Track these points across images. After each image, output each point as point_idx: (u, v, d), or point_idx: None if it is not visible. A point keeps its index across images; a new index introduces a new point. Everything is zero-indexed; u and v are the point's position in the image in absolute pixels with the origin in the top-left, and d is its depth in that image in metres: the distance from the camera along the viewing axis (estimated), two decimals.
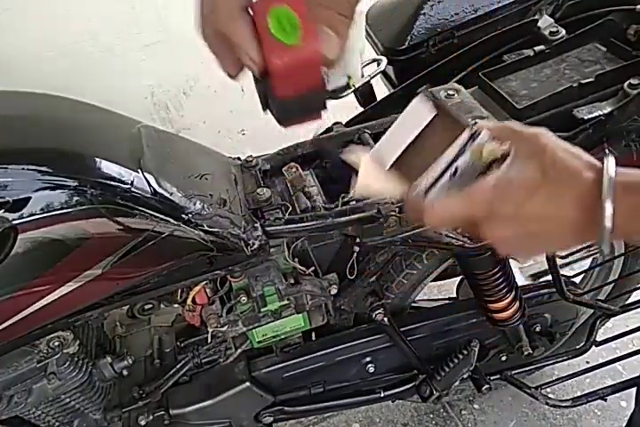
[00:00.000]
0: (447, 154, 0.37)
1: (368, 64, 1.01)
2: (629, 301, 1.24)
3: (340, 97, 0.41)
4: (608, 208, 0.35)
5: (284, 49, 0.33)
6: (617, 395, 1.18)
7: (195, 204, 0.74)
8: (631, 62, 0.81)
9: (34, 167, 0.63)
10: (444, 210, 0.40)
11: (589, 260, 1.36)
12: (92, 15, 1.41)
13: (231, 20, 0.38)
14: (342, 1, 0.37)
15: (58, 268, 0.67)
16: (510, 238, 0.39)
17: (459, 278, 1.28)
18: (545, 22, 0.89)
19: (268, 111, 0.41)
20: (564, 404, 1.20)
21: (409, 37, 0.97)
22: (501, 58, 0.92)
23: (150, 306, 0.94)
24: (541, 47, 0.88)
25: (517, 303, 1.03)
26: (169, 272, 0.76)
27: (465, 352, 1.08)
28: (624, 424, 0.86)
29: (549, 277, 1.04)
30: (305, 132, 1.88)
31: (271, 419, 1.09)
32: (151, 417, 0.96)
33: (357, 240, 0.87)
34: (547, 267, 0.98)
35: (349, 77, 0.38)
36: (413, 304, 1.16)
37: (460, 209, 0.39)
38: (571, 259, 1.26)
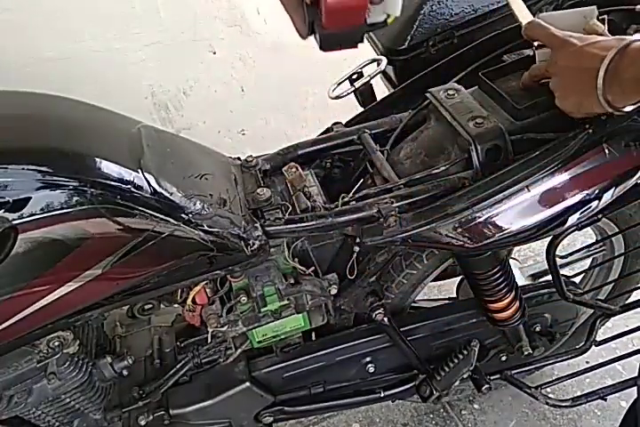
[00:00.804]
0: None
1: (368, 64, 1.01)
2: (629, 301, 1.24)
3: (379, 28, 0.46)
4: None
5: None
6: (617, 395, 1.18)
7: (195, 204, 0.74)
8: None
9: (34, 167, 0.63)
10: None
11: (589, 260, 1.36)
12: (92, 15, 1.41)
13: None
14: None
15: (58, 268, 0.67)
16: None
17: (459, 278, 1.28)
18: None
19: (311, 36, 0.46)
20: (564, 404, 1.20)
21: (409, 37, 0.97)
22: (501, 58, 0.92)
23: (150, 306, 0.94)
24: None
25: (517, 303, 1.03)
26: (169, 272, 0.76)
27: (465, 352, 1.08)
28: (620, 421, 0.86)
29: (549, 277, 1.04)
30: (305, 132, 1.89)
31: (271, 419, 1.09)
32: (151, 417, 0.97)
33: (357, 240, 0.87)
34: (547, 267, 0.98)
35: (388, 15, 0.43)
36: (413, 304, 1.16)
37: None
38: (571, 259, 1.26)
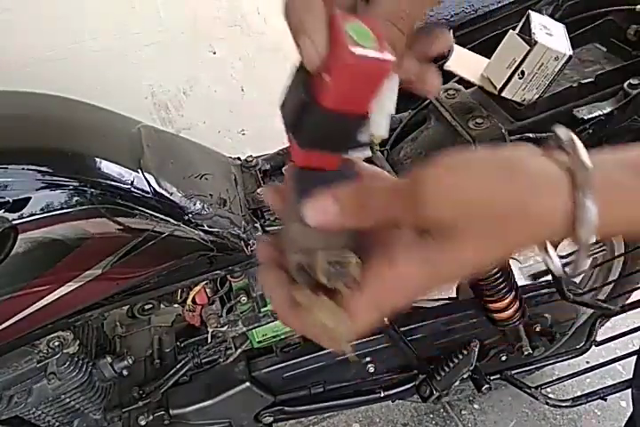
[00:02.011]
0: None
1: None
2: (629, 301, 1.24)
3: (359, 151, 0.34)
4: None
5: (359, 46, 0.29)
6: (617, 395, 1.17)
7: (195, 204, 0.74)
8: (631, 62, 0.81)
9: (34, 167, 0.63)
10: None
11: (589, 260, 1.36)
12: (92, 15, 1.41)
13: (308, 7, 0.32)
14: (400, 16, 0.32)
15: (58, 268, 0.67)
16: None
17: None
18: None
19: (292, 133, 0.32)
20: (564, 404, 1.20)
21: None
22: None
23: (150, 306, 0.94)
24: None
25: (517, 303, 1.03)
26: (169, 272, 0.76)
27: (465, 352, 1.08)
28: (624, 424, 0.86)
29: (549, 277, 1.04)
30: None
31: (271, 419, 1.09)
32: (151, 417, 0.96)
33: None
34: (547, 267, 0.98)
35: (372, 135, 0.33)
36: (413, 304, 1.16)
37: None
38: (571, 259, 1.26)
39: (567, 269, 0.32)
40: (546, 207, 0.27)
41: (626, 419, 0.80)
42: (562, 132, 0.31)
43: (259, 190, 0.84)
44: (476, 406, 1.50)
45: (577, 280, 1.24)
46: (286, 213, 0.33)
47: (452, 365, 1.08)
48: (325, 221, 0.30)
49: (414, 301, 0.31)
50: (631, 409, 0.79)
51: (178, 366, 0.99)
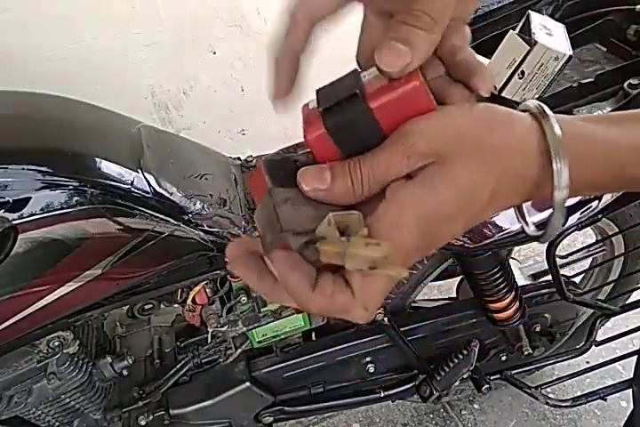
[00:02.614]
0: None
1: None
2: (629, 301, 1.24)
3: None
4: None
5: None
6: (617, 395, 1.17)
7: (195, 204, 0.74)
8: (631, 62, 0.81)
9: (34, 167, 0.63)
10: None
11: (589, 260, 1.36)
12: (92, 15, 1.41)
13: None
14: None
15: (58, 268, 0.67)
16: None
17: (459, 278, 1.28)
18: None
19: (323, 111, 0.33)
20: (564, 404, 1.20)
21: None
22: None
23: (150, 306, 0.94)
24: None
25: (517, 303, 1.03)
26: (169, 272, 0.76)
27: (465, 352, 1.08)
28: (624, 423, 0.86)
29: (549, 277, 1.04)
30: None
31: (271, 419, 1.09)
32: (151, 417, 0.97)
33: None
34: (547, 267, 0.98)
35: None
36: (413, 304, 1.16)
37: None
38: (571, 259, 1.26)
39: (545, 230, 0.33)
40: (524, 170, 0.32)
41: (625, 418, 0.81)
42: (531, 102, 0.37)
43: None
44: (476, 406, 1.50)
45: (577, 280, 1.24)
46: (265, 201, 0.32)
47: (452, 365, 1.08)
48: (321, 193, 0.31)
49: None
50: (631, 409, 0.80)
51: (178, 366, 0.99)
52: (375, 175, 0.31)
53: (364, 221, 0.30)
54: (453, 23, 0.33)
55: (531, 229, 0.34)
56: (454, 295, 1.30)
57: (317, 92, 0.33)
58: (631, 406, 0.79)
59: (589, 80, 0.79)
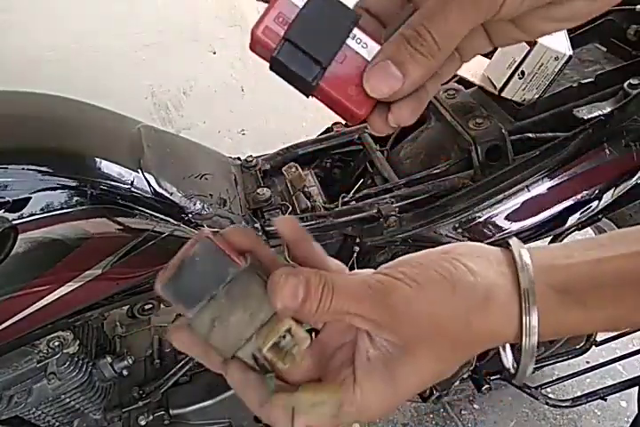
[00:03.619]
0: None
1: None
2: None
3: None
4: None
5: None
6: (617, 395, 1.17)
7: (195, 204, 0.74)
8: (631, 62, 0.81)
9: (34, 167, 0.63)
10: None
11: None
12: (92, 15, 1.41)
13: None
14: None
15: (58, 268, 0.67)
16: None
17: None
18: None
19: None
20: (564, 404, 1.20)
21: None
22: None
23: (150, 306, 0.94)
24: None
25: None
26: None
27: None
28: (624, 424, 0.86)
29: None
30: (305, 132, 1.88)
31: None
32: (151, 417, 0.96)
33: (357, 240, 0.87)
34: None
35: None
36: None
37: None
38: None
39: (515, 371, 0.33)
40: (493, 324, 0.30)
41: (626, 419, 0.80)
42: (514, 243, 0.32)
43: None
44: (476, 406, 1.50)
45: None
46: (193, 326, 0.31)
47: None
48: (290, 305, 0.29)
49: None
50: (631, 409, 0.79)
51: (178, 366, 0.99)
52: (336, 308, 0.30)
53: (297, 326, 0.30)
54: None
55: (509, 364, 0.35)
56: None
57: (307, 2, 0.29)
58: (632, 406, 0.79)
59: (589, 80, 0.79)
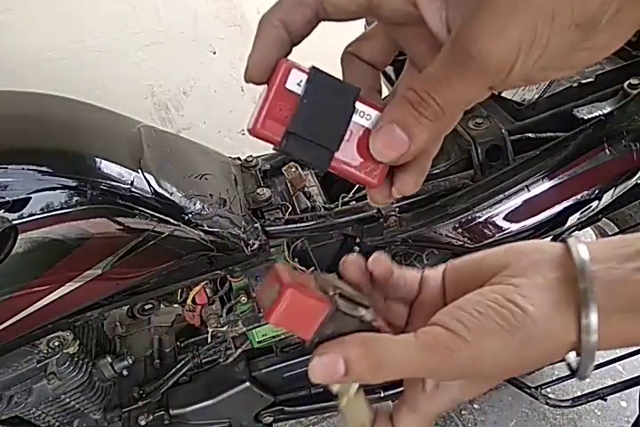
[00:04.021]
0: None
1: None
2: None
3: None
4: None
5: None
6: (617, 395, 1.17)
7: (195, 204, 0.74)
8: (631, 62, 0.81)
9: (34, 167, 0.63)
10: None
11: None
12: (92, 15, 1.41)
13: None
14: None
15: (58, 268, 0.67)
16: None
17: None
18: None
19: None
20: (564, 404, 1.20)
21: None
22: None
23: (150, 306, 0.94)
24: None
25: None
26: (169, 272, 0.76)
27: None
28: (624, 424, 0.86)
29: None
30: None
31: (271, 419, 1.09)
32: (151, 417, 0.96)
33: (357, 240, 0.87)
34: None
35: None
36: None
37: None
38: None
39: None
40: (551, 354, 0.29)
41: (626, 419, 0.80)
42: (571, 241, 0.30)
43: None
44: (476, 406, 1.50)
45: None
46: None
47: None
48: (332, 381, 0.29)
49: None
50: (631, 409, 0.79)
51: (178, 366, 0.99)
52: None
53: None
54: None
55: (571, 360, 0.33)
56: None
57: (311, 71, 0.28)
58: (632, 406, 0.79)
59: (589, 80, 0.79)
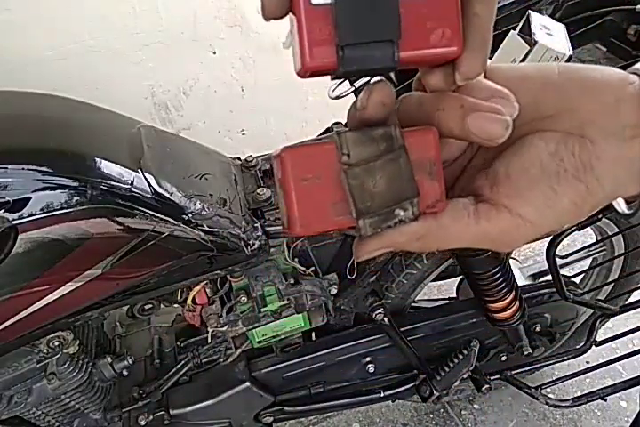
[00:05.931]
0: None
1: None
2: (629, 301, 1.24)
3: None
4: None
5: None
6: (617, 395, 1.17)
7: (195, 204, 0.74)
8: (631, 62, 0.80)
9: (34, 167, 0.63)
10: None
11: (589, 260, 1.36)
12: (92, 15, 1.41)
13: None
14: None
15: (58, 268, 0.67)
16: None
17: (459, 278, 1.28)
18: None
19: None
20: (563, 404, 1.20)
21: None
22: None
23: (150, 306, 0.94)
24: None
25: (517, 303, 1.03)
26: (169, 272, 0.76)
27: (465, 352, 1.08)
28: (624, 424, 0.85)
29: (549, 277, 1.04)
30: (305, 132, 1.88)
31: (271, 419, 1.09)
32: (151, 417, 0.96)
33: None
34: (547, 267, 0.98)
35: None
36: (413, 304, 1.16)
37: None
38: (571, 259, 1.26)
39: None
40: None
41: (626, 419, 0.80)
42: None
43: None
44: (476, 406, 1.50)
45: (577, 280, 1.24)
46: None
47: (452, 365, 1.08)
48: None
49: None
50: (632, 409, 0.79)
51: (178, 366, 0.99)
52: None
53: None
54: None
55: (622, 207, 0.31)
56: (454, 295, 1.30)
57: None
58: (632, 406, 0.79)
59: None
